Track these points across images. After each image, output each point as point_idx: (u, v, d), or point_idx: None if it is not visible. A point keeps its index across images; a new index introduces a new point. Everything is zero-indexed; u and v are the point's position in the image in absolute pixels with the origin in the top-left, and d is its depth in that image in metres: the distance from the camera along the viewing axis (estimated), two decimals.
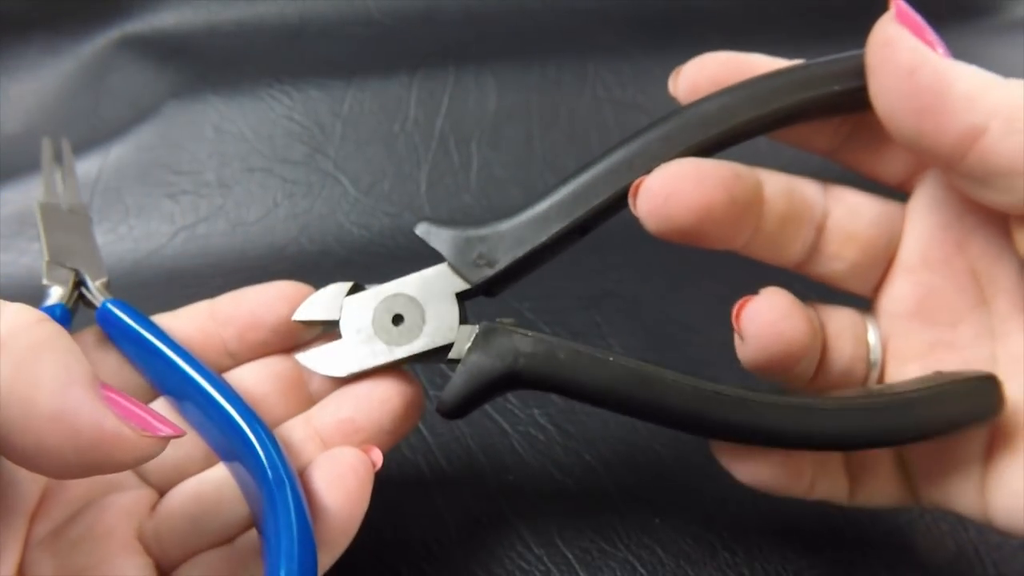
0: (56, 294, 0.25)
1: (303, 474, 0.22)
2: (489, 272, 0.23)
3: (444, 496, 0.30)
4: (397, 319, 0.23)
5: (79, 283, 0.25)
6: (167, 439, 0.18)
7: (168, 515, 0.23)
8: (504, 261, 0.23)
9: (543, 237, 0.23)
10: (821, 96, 0.22)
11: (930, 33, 0.20)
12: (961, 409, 0.21)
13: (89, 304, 0.25)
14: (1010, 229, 0.21)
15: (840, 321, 0.24)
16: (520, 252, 0.23)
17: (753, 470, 0.23)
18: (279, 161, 0.44)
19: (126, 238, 0.41)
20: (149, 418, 0.18)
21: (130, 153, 0.43)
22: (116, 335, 0.24)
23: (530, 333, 0.22)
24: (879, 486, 0.24)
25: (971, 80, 0.19)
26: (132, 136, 0.43)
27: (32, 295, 0.17)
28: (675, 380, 0.21)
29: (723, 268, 0.33)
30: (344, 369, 0.23)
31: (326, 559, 0.21)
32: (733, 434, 0.22)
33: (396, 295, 0.24)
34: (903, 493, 0.24)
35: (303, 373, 0.25)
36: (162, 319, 0.24)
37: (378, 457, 0.23)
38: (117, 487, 0.23)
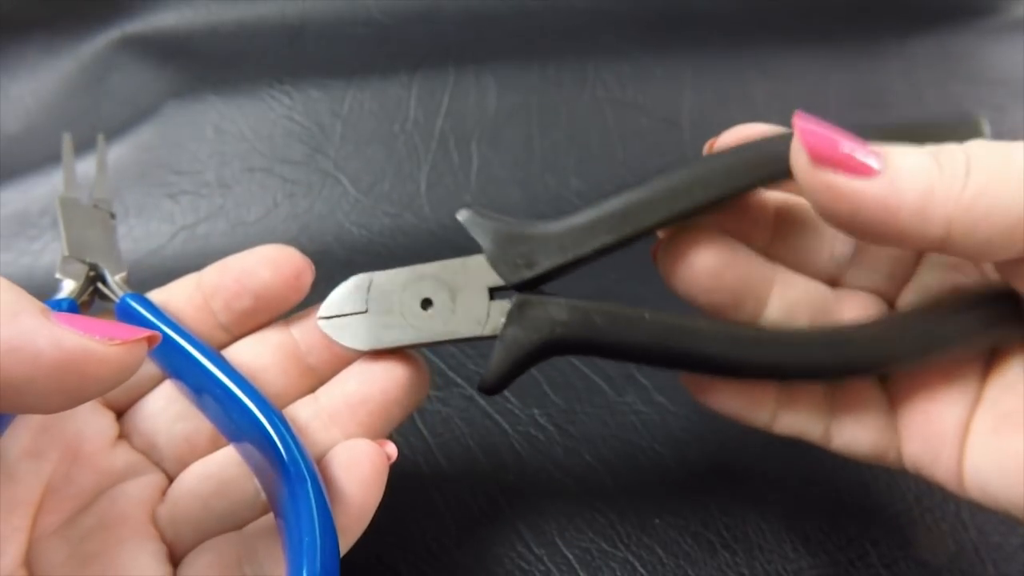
0: (67, 288, 0.24)
1: (319, 462, 0.22)
2: (527, 274, 0.23)
3: (444, 496, 0.30)
4: (426, 303, 0.23)
5: (96, 277, 0.25)
6: (140, 342, 0.17)
7: (180, 497, 0.23)
8: (543, 265, 0.23)
9: (586, 249, 0.23)
10: None
11: (841, 140, 0.18)
12: (980, 321, 0.22)
13: (106, 298, 0.25)
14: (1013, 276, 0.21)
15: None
16: (561, 259, 0.23)
17: (718, 399, 0.24)
18: (279, 161, 0.44)
19: (126, 238, 0.41)
20: (116, 327, 0.17)
21: (130, 153, 0.43)
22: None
23: (564, 301, 0.22)
24: (860, 430, 0.24)
25: (911, 191, 0.18)
26: (132, 136, 0.43)
27: (33, 295, 0.17)
28: (712, 326, 0.22)
29: None
30: (367, 343, 0.23)
31: (341, 546, 0.22)
32: (771, 373, 0.23)
33: (428, 278, 0.23)
34: (884, 442, 0.23)
35: (301, 346, 0.25)
36: (154, 296, 0.24)
37: (393, 450, 0.23)
38: (129, 474, 0.23)
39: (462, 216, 0.23)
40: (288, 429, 0.22)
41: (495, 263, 0.23)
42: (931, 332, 0.22)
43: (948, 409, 0.22)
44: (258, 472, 0.23)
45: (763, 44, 0.49)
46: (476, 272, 0.23)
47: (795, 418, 0.24)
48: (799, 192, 0.22)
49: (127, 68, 0.46)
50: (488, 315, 0.23)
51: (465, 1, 0.48)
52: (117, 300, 0.24)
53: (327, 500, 0.21)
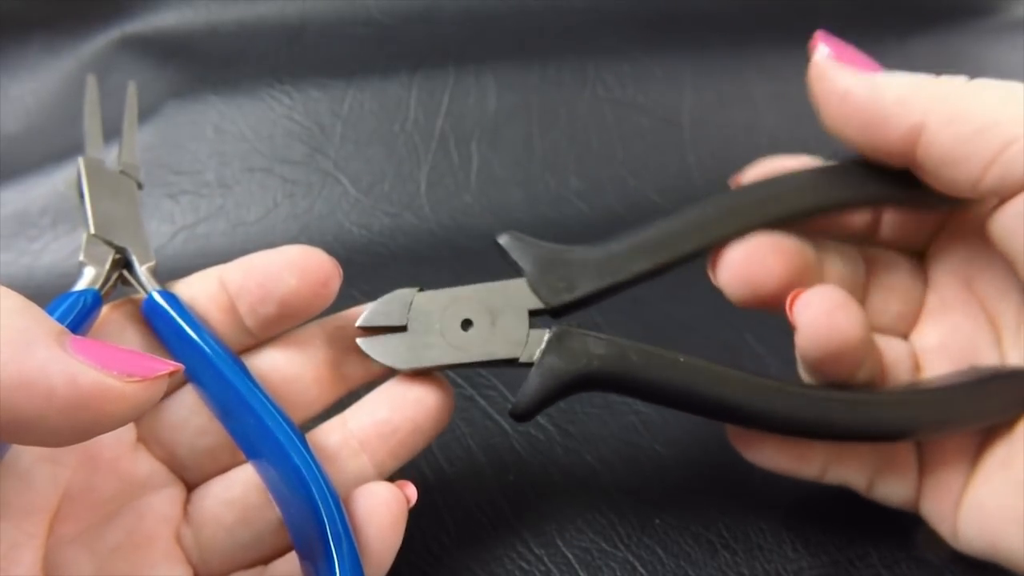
0: (89, 276, 0.22)
1: (346, 496, 0.22)
2: (567, 297, 0.23)
3: (444, 496, 0.30)
4: (466, 324, 0.23)
5: (121, 262, 0.23)
6: (161, 379, 0.16)
7: (204, 524, 0.22)
8: (583, 289, 0.23)
9: (625, 274, 0.23)
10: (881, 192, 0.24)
11: (857, 54, 0.22)
12: (999, 398, 0.23)
13: (129, 285, 0.22)
14: (985, 220, 0.22)
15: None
16: (601, 284, 0.23)
17: (765, 455, 0.25)
18: (279, 161, 0.44)
19: None
20: (136, 360, 0.16)
21: None
22: (162, 328, 0.22)
23: (603, 336, 0.23)
24: (899, 485, 0.25)
25: (900, 85, 0.21)
26: None
27: (32, 296, 0.17)
28: (744, 378, 0.22)
29: None
30: (406, 363, 0.23)
31: None
32: (800, 429, 0.23)
33: (469, 300, 0.23)
34: (913, 495, 0.25)
35: (336, 353, 0.24)
36: (178, 289, 0.23)
37: (412, 493, 0.23)
38: (151, 484, 0.22)
39: (503, 240, 0.24)
40: (328, 485, 0.21)
41: (535, 286, 0.23)
42: (966, 406, 0.23)
43: (953, 474, 0.24)
44: (283, 506, 0.22)
45: (763, 44, 0.49)
46: (516, 295, 0.23)
47: (844, 471, 0.25)
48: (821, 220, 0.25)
49: (127, 68, 0.46)
50: (527, 340, 0.23)
51: (465, 1, 0.48)
52: (144, 295, 0.22)
53: (359, 560, 0.20)
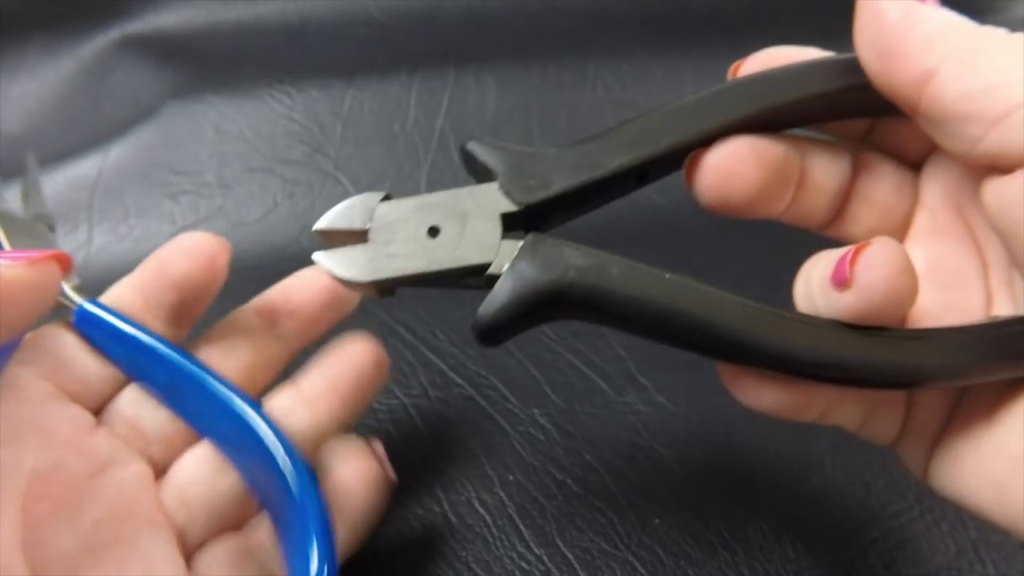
0: None
1: (308, 450, 0.23)
2: (542, 194, 0.21)
3: (444, 496, 0.30)
4: (433, 231, 0.21)
5: None
6: (48, 261, 0.17)
7: (185, 482, 0.23)
8: (559, 185, 0.21)
9: (602, 170, 0.21)
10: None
11: None
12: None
13: (61, 307, 0.24)
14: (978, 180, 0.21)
15: None
16: (577, 180, 0.21)
17: (761, 396, 0.22)
18: (279, 161, 0.44)
19: (126, 238, 0.41)
20: (20, 253, 0.17)
21: (130, 153, 0.43)
22: (97, 336, 0.24)
23: (581, 247, 0.20)
24: (886, 423, 0.24)
25: (935, 23, 0.20)
26: (132, 136, 0.43)
27: None
28: (736, 300, 0.20)
29: (723, 265, 0.33)
30: (368, 274, 0.21)
31: (350, 546, 0.23)
32: (800, 366, 0.20)
33: (435, 206, 0.21)
34: (896, 435, 0.24)
35: (268, 322, 0.26)
36: (102, 299, 0.24)
37: (379, 447, 0.25)
38: (117, 459, 0.23)
39: (471, 145, 0.22)
40: (278, 430, 0.22)
41: (507, 187, 0.21)
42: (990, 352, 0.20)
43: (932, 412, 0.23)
44: (244, 470, 0.23)
45: (763, 44, 0.48)
46: (487, 199, 0.21)
47: (842, 414, 0.23)
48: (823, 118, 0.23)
49: (127, 68, 0.46)
50: (499, 248, 0.21)
51: (465, 1, 0.48)
52: (75, 308, 0.24)
53: (328, 516, 0.21)
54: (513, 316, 0.20)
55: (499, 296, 0.20)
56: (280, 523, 0.22)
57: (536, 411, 0.33)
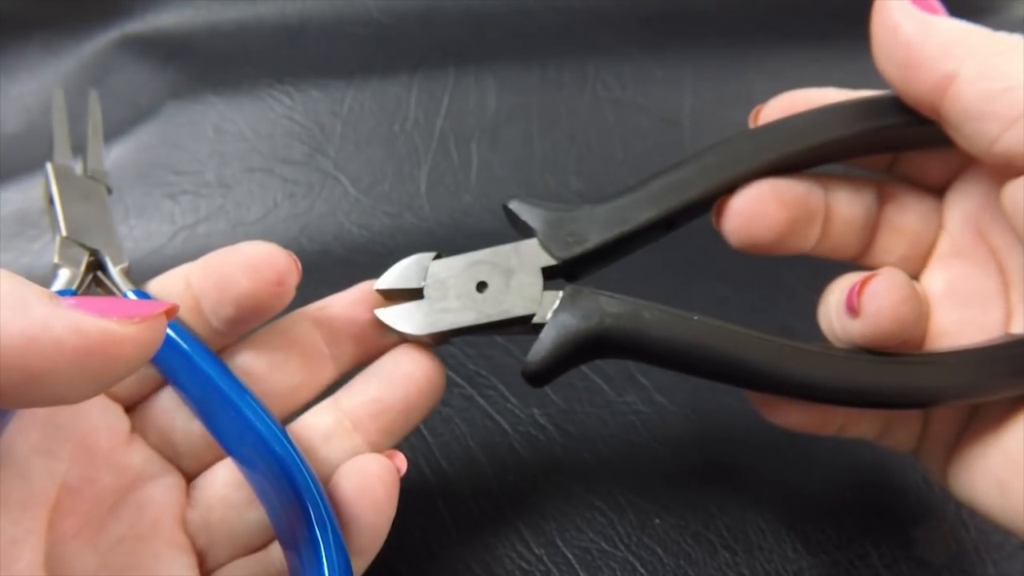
0: (64, 278, 0.22)
1: (330, 484, 0.22)
2: (578, 250, 0.23)
3: (444, 496, 0.30)
4: (481, 286, 0.24)
5: (95, 265, 0.22)
6: (159, 317, 0.17)
7: (213, 506, 0.23)
8: (594, 241, 0.23)
9: (633, 224, 0.23)
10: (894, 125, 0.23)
11: None
12: None
13: (103, 287, 0.23)
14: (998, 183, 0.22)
15: None
16: (610, 234, 0.23)
17: (787, 416, 0.24)
18: (279, 161, 0.44)
19: (126, 238, 0.41)
20: (130, 305, 0.17)
21: (130, 153, 0.43)
22: None
23: (616, 295, 0.23)
24: (904, 433, 0.25)
25: (950, 30, 0.21)
26: (132, 136, 0.43)
27: None
28: (758, 337, 0.22)
29: (725, 268, 0.33)
30: (425, 328, 0.23)
31: (360, 564, 0.22)
32: (825, 396, 0.22)
33: (483, 263, 0.24)
34: (916, 444, 0.25)
35: (325, 337, 0.24)
36: (147, 288, 0.23)
37: (402, 462, 0.23)
38: (148, 474, 0.22)
39: (513, 204, 0.24)
40: (302, 460, 0.21)
41: (547, 243, 0.24)
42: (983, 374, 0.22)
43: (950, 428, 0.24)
44: (264, 498, 0.22)
45: (763, 44, 0.49)
46: (529, 255, 0.24)
47: (861, 427, 0.25)
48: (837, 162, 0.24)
49: (127, 68, 0.46)
50: (541, 298, 0.23)
51: (465, 1, 0.48)
52: (120, 295, 0.22)
53: (344, 545, 0.20)
54: (558, 361, 0.22)
55: (544, 344, 0.22)
56: (293, 552, 0.22)
57: (536, 411, 0.33)
